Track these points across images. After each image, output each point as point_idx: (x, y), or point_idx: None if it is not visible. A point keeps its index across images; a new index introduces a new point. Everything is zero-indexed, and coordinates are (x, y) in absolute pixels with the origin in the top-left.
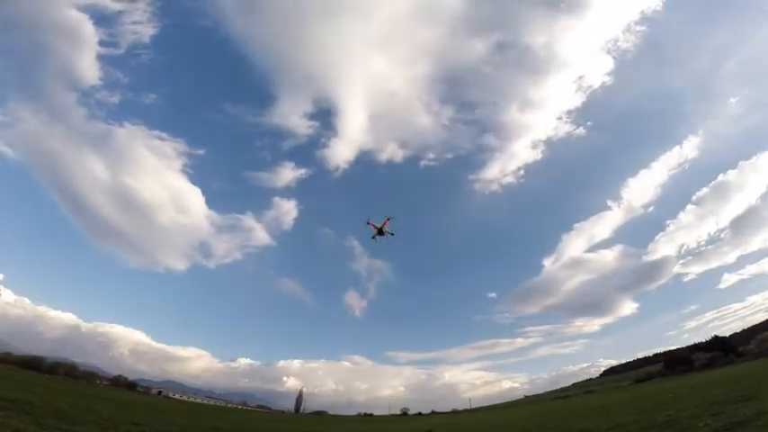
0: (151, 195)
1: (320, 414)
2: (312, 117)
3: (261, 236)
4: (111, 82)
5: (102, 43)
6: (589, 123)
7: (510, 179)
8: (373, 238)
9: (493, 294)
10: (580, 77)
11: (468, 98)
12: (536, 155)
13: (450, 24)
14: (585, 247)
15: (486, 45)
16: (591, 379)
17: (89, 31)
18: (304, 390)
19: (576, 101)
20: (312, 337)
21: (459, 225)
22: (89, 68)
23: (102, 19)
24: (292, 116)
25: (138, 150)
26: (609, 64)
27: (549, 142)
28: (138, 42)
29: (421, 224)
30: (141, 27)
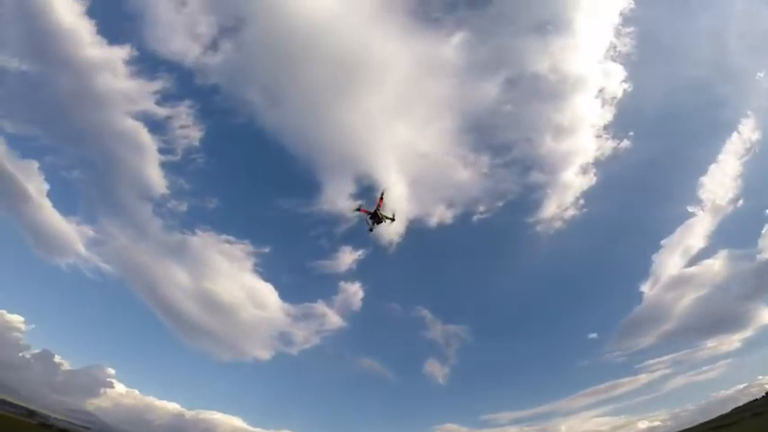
0: (230, 296)
1: None
2: (357, 197)
3: (334, 320)
4: (176, 190)
5: (160, 151)
6: (631, 133)
7: (571, 212)
8: (371, 229)
9: (593, 335)
10: (600, 91)
11: (500, 140)
12: (590, 180)
13: (454, 75)
14: (684, 262)
15: (497, 85)
16: (756, 400)
17: (147, 139)
18: None
19: (607, 115)
20: (400, 412)
21: (531, 272)
22: (156, 177)
23: (155, 126)
24: (339, 200)
25: (211, 256)
26: (620, 70)
27: (598, 163)
28: (190, 146)
29: (489, 281)
30: (189, 131)
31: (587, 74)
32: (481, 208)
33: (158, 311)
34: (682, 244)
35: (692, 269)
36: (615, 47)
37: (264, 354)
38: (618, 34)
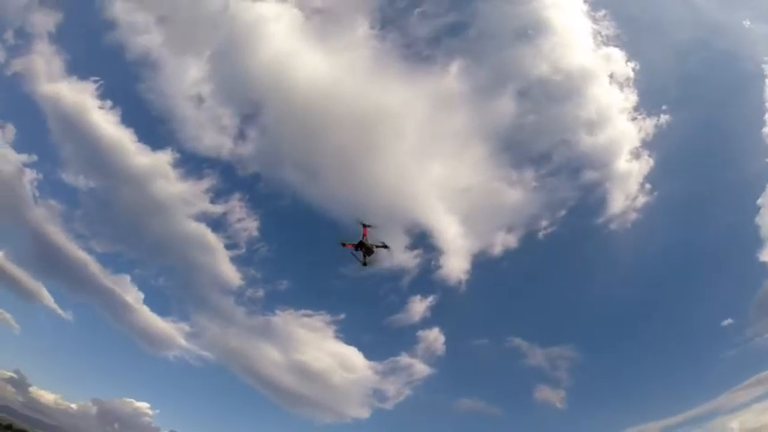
0: (319, 364)
1: None
2: (413, 247)
3: (420, 368)
4: (249, 279)
5: (227, 247)
6: (664, 107)
7: (641, 199)
8: (364, 263)
9: (728, 321)
10: (611, 76)
11: (536, 151)
12: (647, 162)
13: (466, 102)
14: None
15: (510, 99)
16: None
17: (212, 239)
18: None
19: (631, 96)
20: None
21: (622, 272)
22: (229, 272)
23: (216, 224)
24: (397, 254)
25: (295, 331)
26: (618, 52)
27: (646, 144)
28: (251, 238)
29: (579, 293)
30: (246, 223)
31: (589, 64)
32: (544, 223)
33: (258, 387)
34: None
35: None
36: (600, 32)
37: (362, 412)
38: (595, 20)
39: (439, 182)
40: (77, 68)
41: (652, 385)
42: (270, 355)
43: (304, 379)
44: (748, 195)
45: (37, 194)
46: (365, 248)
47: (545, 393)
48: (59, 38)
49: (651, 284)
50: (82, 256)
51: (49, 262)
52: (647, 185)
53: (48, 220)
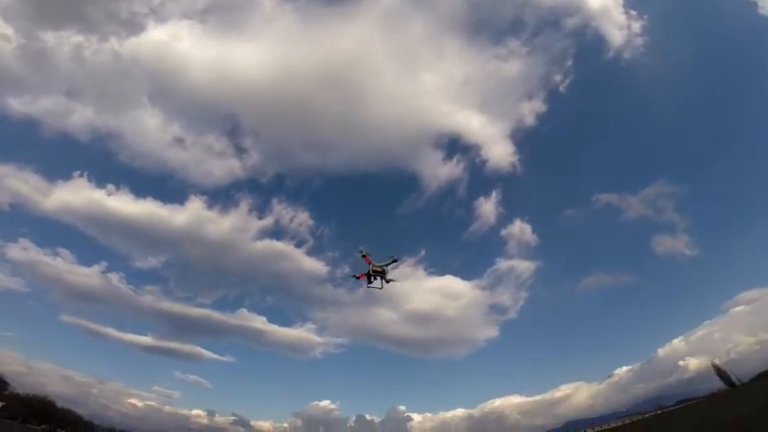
0: (429, 305)
1: None
2: (449, 156)
3: (523, 266)
4: (331, 262)
5: (297, 245)
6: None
7: (636, 24)
8: (387, 281)
9: None
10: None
11: (506, 20)
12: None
13: (409, 6)
14: None
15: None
16: None
17: (281, 246)
18: None
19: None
20: (668, 306)
21: (663, 92)
22: (313, 265)
23: (275, 233)
24: (439, 170)
25: (391, 285)
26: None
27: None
28: (309, 227)
29: (631, 126)
30: (298, 218)
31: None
32: (557, 77)
33: (393, 347)
34: None
35: None
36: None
37: (490, 332)
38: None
39: (437, 88)
40: (53, 172)
41: None
42: (386, 317)
43: (423, 323)
44: None
45: (132, 288)
46: (377, 273)
47: (666, 243)
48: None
49: (703, 96)
50: (200, 311)
51: (185, 328)
52: (632, 11)
53: (156, 300)
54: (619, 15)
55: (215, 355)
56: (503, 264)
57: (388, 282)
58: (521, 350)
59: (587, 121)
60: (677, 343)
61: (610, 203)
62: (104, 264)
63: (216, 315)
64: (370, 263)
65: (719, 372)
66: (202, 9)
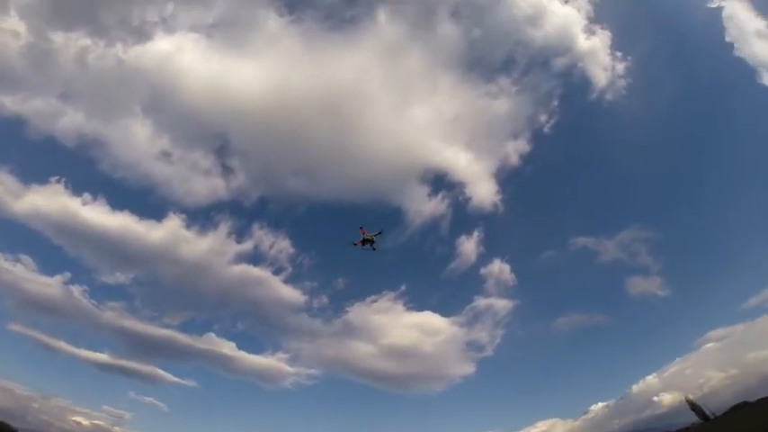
0: (406, 340)
1: None
2: (435, 192)
3: (500, 304)
4: (310, 291)
5: (275, 273)
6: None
7: (620, 66)
8: (374, 249)
9: None
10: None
11: (499, 59)
12: (604, 34)
13: (408, 40)
14: None
15: (447, 22)
16: None
17: (258, 272)
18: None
19: None
20: (641, 347)
21: (643, 136)
22: (289, 293)
23: (254, 259)
24: (424, 206)
25: (370, 319)
26: None
27: (593, 18)
28: (288, 254)
29: (611, 170)
30: (279, 244)
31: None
32: (543, 118)
33: (369, 381)
34: (746, 31)
35: None
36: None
37: (466, 368)
38: None
39: (427, 123)
40: (30, 175)
41: (747, 242)
42: (362, 350)
43: (400, 359)
44: (714, 36)
45: (94, 302)
46: (367, 241)
47: (640, 285)
48: None
49: (680, 140)
50: (165, 332)
51: (145, 348)
52: (618, 53)
53: (118, 317)
54: (605, 57)
55: (176, 378)
56: (481, 301)
57: (374, 249)
58: (497, 387)
59: (568, 163)
60: (651, 379)
61: (586, 246)
62: (68, 275)
63: (181, 337)
64: (363, 233)
65: (693, 406)
66: (211, 23)
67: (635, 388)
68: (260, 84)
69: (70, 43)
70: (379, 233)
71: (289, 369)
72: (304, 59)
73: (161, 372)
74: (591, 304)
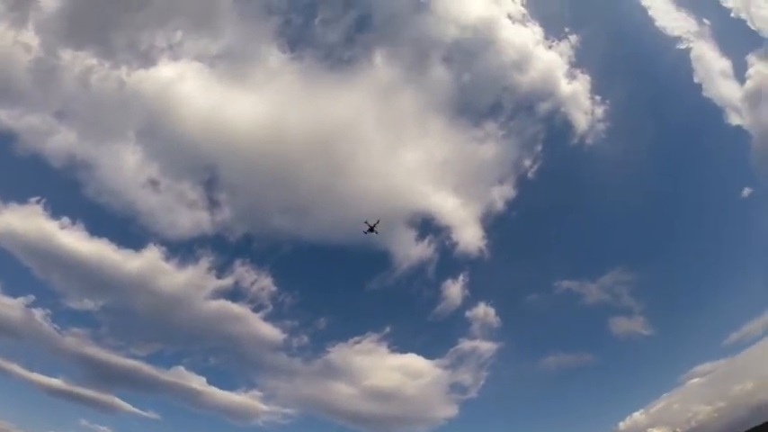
0: (389, 382)
1: None
2: (422, 236)
3: (485, 347)
4: (289, 330)
5: (254, 310)
6: (567, 29)
7: (599, 110)
8: (376, 233)
9: (747, 190)
10: (509, 17)
11: (486, 104)
12: (584, 78)
13: (402, 83)
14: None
15: (438, 67)
16: None
17: (237, 309)
18: None
19: (536, 28)
20: (621, 386)
21: (623, 180)
22: (268, 331)
23: (233, 295)
24: (411, 250)
25: (353, 360)
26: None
27: (574, 63)
28: (271, 293)
29: (594, 215)
30: (260, 282)
31: (485, 14)
32: (527, 163)
33: (347, 423)
34: (713, 71)
35: (749, 82)
36: None
37: (450, 411)
38: None
39: (417, 166)
40: (10, 193)
41: (724, 282)
42: (343, 391)
43: (382, 401)
44: (683, 78)
45: (57, 327)
46: (372, 228)
47: (623, 325)
48: None
49: (655, 181)
50: (130, 363)
51: (105, 376)
52: (597, 97)
53: (80, 344)
54: (585, 100)
55: (135, 409)
56: (466, 344)
57: (376, 233)
58: (481, 428)
59: (552, 208)
60: (638, 416)
61: (570, 289)
62: (31, 297)
63: (147, 368)
64: (367, 224)
65: None
66: (215, 54)
67: (622, 425)
68: (255, 118)
69: (77, 62)
70: (377, 222)
71: (262, 407)
72: (301, 97)
73: (120, 401)
74: (576, 345)
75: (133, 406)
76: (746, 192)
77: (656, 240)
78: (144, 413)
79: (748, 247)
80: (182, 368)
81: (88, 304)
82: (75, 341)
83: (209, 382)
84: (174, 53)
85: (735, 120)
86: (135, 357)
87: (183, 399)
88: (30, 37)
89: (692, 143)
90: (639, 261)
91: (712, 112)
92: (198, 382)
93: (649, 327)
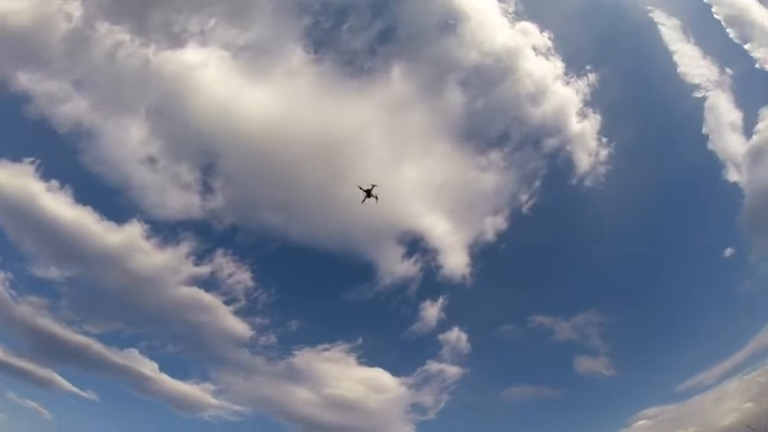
0: (351, 393)
1: None
2: (409, 255)
3: (452, 371)
4: (259, 328)
5: (226, 303)
6: (588, 67)
7: (603, 152)
8: (365, 199)
9: (729, 250)
10: (534, 48)
11: (495, 133)
12: (595, 118)
13: (415, 101)
14: (741, 137)
15: (454, 90)
16: None
17: (209, 299)
18: None
19: (557, 63)
20: (576, 422)
21: (612, 228)
22: (237, 325)
23: (208, 285)
24: (396, 266)
25: (318, 367)
26: (531, 25)
27: (588, 101)
28: (247, 288)
29: (579, 257)
30: (238, 276)
31: (510, 42)
32: (523, 197)
33: (300, 429)
34: (722, 123)
35: (756, 137)
36: (507, 10)
37: (406, 429)
38: None
39: (415, 185)
40: (5, 151)
41: (688, 333)
42: (302, 396)
43: (341, 411)
44: (692, 127)
45: (13, 293)
46: (369, 193)
47: (586, 364)
48: None
49: (643, 231)
50: (81, 339)
51: (51, 350)
52: (603, 139)
53: (34, 313)
54: (592, 141)
55: (74, 388)
56: (434, 366)
57: (376, 199)
58: None
59: (540, 245)
60: None
61: (543, 325)
62: None
63: (98, 347)
64: (361, 188)
65: None
66: (242, 45)
67: None
68: (266, 112)
69: (110, 36)
70: (374, 186)
71: (212, 401)
72: (314, 98)
73: (59, 378)
74: (539, 378)
75: (72, 384)
76: (728, 252)
77: (633, 287)
78: (81, 393)
79: (717, 304)
80: (136, 351)
81: (54, 273)
82: (29, 310)
83: (162, 369)
84: (204, 39)
85: (733, 176)
86: (88, 334)
87: (129, 383)
88: (74, 7)
89: (686, 197)
90: (613, 305)
91: (713, 165)
92: (149, 368)
93: (611, 368)
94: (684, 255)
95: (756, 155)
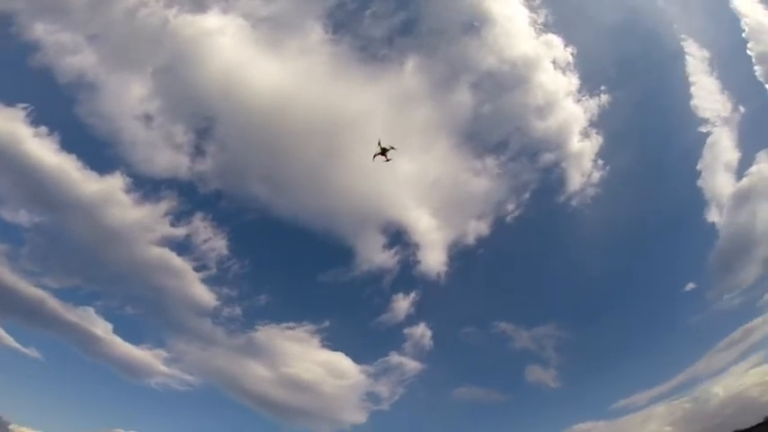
0: (309, 375)
1: None
2: (390, 246)
3: (412, 365)
4: (225, 299)
5: (196, 269)
6: (603, 87)
7: (596, 174)
8: (377, 155)
9: (691, 285)
10: (553, 62)
11: (495, 139)
12: (596, 140)
13: (425, 97)
14: (732, 177)
15: (464, 91)
16: None
17: (179, 263)
18: None
19: (573, 79)
20: (519, 427)
21: (587, 249)
22: (202, 293)
23: (180, 247)
24: (375, 255)
25: (279, 344)
26: (556, 39)
27: (593, 122)
28: (220, 256)
29: (552, 271)
30: (213, 242)
31: (531, 52)
32: (510, 207)
33: (251, 405)
34: (718, 161)
35: (745, 180)
36: (537, 20)
37: (359, 417)
38: (532, 8)
39: (408, 178)
40: (1, 97)
41: (633, 356)
42: (258, 372)
43: (296, 391)
44: (689, 162)
45: None
46: (384, 151)
47: (537, 374)
48: None
49: (616, 256)
50: (35, 292)
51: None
52: (600, 161)
53: None
54: (588, 162)
55: (15, 344)
56: (395, 358)
57: (388, 160)
58: None
59: (516, 255)
60: None
61: (504, 331)
62: None
63: (52, 302)
64: (380, 145)
65: None
66: (263, 16)
67: None
68: (274, 85)
69: None
70: (392, 147)
71: (162, 368)
72: (324, 79)
73: (1, 332)
74: (490, 382)
75: (15, 340)
76: (690, 286)
77: (594, 307)
78: (24, 349)
79: (665, 332)
80: (91, 310)
81: (22, 217)
82: None
83: (115, 331)
84: (227, 6)
85: (713, 216)
86: (44, 288)
87: (77, 343)
88: None
89: (664, 229)
90: (572, 321)
91: (697, 203)
92: (103, 329)
93: (558, 380)
94: (648, 283)
95: (741, 198)
